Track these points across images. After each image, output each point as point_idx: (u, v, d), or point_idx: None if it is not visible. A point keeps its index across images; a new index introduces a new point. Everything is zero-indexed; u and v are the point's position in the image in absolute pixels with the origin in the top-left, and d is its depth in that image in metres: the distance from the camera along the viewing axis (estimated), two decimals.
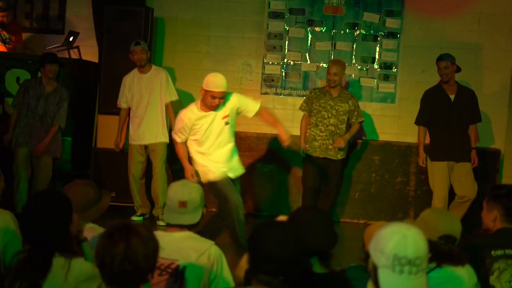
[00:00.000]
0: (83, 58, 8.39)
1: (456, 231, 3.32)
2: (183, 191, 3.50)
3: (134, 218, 7.52)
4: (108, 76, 7.95)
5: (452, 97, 7.17)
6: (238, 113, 6.03)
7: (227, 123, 5.90)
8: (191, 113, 5.88)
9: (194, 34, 8.49)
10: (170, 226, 3.52)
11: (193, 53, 8.55)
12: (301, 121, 7.52)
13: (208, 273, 3.39)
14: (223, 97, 5.81)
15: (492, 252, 3.59)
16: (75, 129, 7.88)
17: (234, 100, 5.94)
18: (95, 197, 3.68)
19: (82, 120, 8.00)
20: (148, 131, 7.39)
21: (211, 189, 5.96)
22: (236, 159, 6.11)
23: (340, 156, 7.42)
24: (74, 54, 8.38)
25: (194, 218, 3.51)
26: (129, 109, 7.50)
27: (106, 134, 8.06)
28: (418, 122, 7.39)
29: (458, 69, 7.19)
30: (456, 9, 8.29)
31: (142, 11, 7.93)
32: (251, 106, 6.02)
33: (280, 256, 2.49)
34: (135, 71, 7.43)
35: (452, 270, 3.20)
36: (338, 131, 7.31)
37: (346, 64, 8.22)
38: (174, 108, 7.37)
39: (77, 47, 8.34)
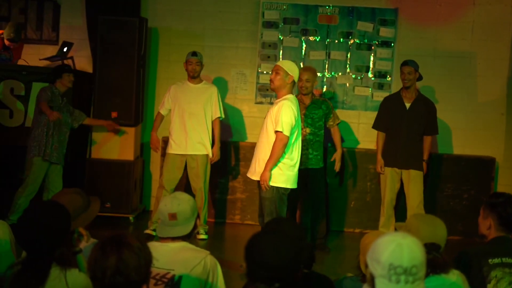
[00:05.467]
0: (77, 68, 8.37)
1: (439, 238, 3.25)
2: (172, 203, 3.50)
3: (150, 231, 7.31)
4: (102, 86, 7.94)
5: (407, 105, 7.18)
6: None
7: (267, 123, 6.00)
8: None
9: (188, 44, 8.47)
10: (163, 239, 3.51)
11: None
12: None
13: (204, 283, 3.38)
14: (277, 72, 5.98)
15: (490, 260, 3.58)
16: (69, 140, 7.84)
17: (275, 109, 5.97)
18: (83, 205, 3.65)
19: (77, 131, 7.96)
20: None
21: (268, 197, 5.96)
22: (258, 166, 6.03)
23: (322, 163, 7.39)
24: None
25: (185, 229, 3.50)
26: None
27: (100, 144, 8.05)
28: (374, 126, 7.47)
29: (420, 77, 7.20)
30: (449, 18, 8.32)
31: (136, 21, 7.92)
32: (275, 124, 5.93)
33: (275, 263, 2.48)
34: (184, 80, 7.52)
35: (444, 278, 3.18)
36: (317, 138, 7.27)
37: (340, 74, 8.28)
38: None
39: (71, 58, 8.32)
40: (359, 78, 8.42)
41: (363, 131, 8.38)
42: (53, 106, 7.17)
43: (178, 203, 3.49)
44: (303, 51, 8.44)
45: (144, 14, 8.39)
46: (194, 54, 7.38)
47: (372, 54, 8.39)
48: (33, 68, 8.18)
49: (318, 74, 8.28)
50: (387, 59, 8.39)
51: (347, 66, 8.41)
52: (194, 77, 7.39)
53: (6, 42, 8.15)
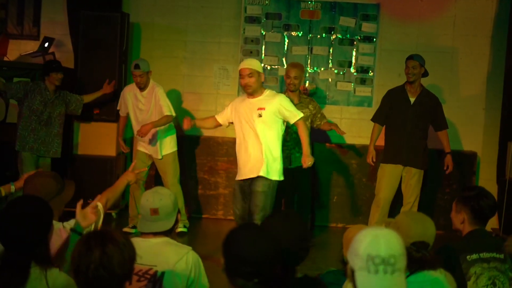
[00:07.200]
0: None
1: (429, 236, 3.23)
2: (154, 198, 3.49)
3: (128, 229, 7.36)
4: (83, 82, 7.90)
5: (412, 100, 7.02)
6: (281, 118, 5.93)
7: (260, 116, 5.86)
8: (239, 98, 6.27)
9: (170, 39, 8.47)
10: (144, 234, 3.50)
11: (170, 58, 8.52)
12: None
13: (186, 278, 3.39)
14: (251, 76, 5.82)
15: (468, 257, 3.58)
16: None
17: (276, 100, 5.89)
18: (56, 188, 3.64)
19: None
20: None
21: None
22: (258, 161, 5.90)
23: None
24: None
25: (167, 224, 3.50)
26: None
27: (83, 140, 8.01)
28: (373, 119, 7.28)
29: (426, 73, 7.06)
30: (431, 13, 8.36)
31: (118, 17, 7.88)
32: (289, 114, 5.89)
33: (254, 258, 2.48)
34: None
35: (430, 274, 3.18)
36: None
37: (323, 69, 8.30)
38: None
39: (53, 53, 8.27)
40: (341, 73, 8.44)
41: (346, 126, 8.38)
42: (41, 100, 7.21)
43: (160, 198, 3.49)
44: (286, 46, 8.44)
45: (126, 9, 8.35)
46: (136, 66, 7.04)
47: (355, 49, 8.41)
48: (14, 63, 8.11)
49: None
50: (369, 54, 8.41)
51: (330, 61, 8.42)
52: (141, 88, 7.17)
53: None
